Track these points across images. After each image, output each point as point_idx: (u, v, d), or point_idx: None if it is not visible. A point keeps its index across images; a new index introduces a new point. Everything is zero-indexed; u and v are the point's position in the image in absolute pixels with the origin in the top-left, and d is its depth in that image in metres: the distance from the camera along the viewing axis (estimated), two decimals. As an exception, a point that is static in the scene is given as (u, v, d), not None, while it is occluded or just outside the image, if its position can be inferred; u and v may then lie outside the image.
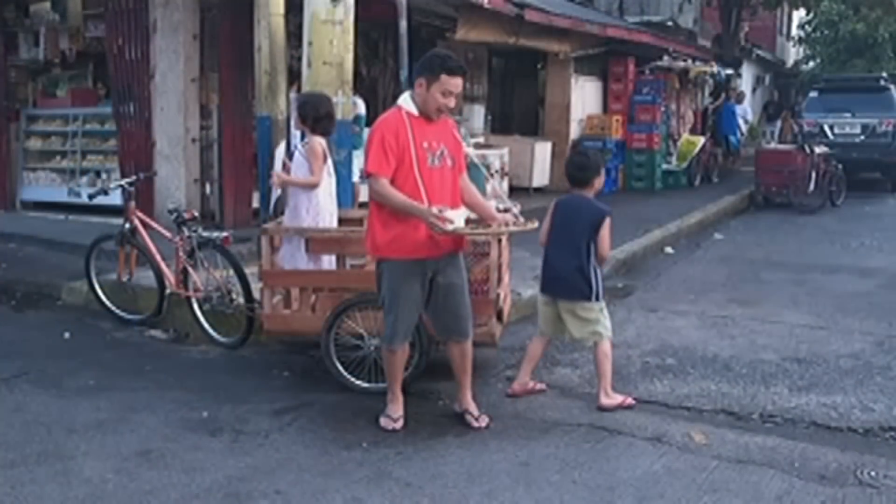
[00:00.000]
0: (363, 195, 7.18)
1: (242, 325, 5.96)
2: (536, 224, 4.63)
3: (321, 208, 5.63)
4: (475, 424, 4.56)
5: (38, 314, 7.21)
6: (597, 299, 4.88)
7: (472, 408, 4.64)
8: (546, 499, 3.80)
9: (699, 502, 3.76)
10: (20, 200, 11.20)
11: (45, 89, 11.35)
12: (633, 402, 4.89)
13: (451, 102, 4.33)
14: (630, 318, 6.81)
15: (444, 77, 4.25)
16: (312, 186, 5.56)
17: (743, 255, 9.93)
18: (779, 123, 22.95)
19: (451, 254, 4.45)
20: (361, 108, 8.60)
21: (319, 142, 5.59)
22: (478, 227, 4.63)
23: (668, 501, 3.78)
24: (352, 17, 6.62)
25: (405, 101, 4.40)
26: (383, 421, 4.59)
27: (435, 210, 4.18)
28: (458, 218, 4.27)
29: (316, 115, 5.58)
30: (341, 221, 5.82)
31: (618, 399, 4.85)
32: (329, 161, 5.74)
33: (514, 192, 12.55)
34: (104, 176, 10.20)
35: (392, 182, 4.28)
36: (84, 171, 10.59)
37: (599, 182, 4.93)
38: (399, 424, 4.57)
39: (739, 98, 19.98)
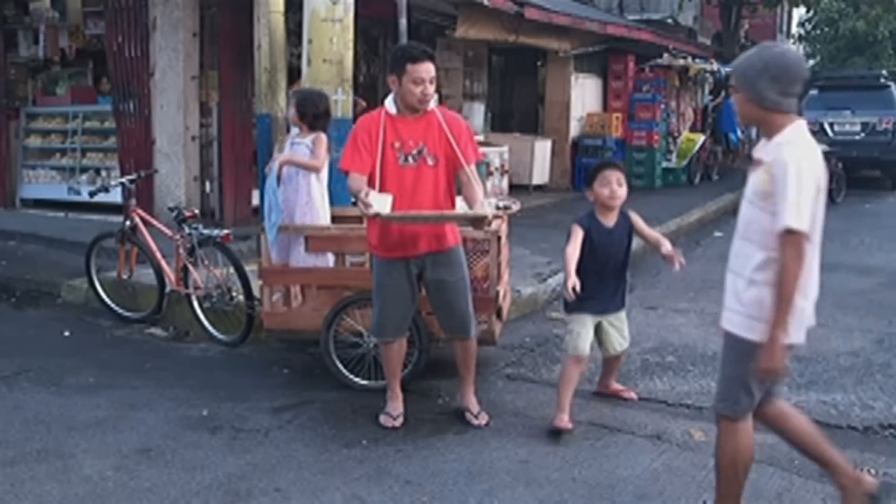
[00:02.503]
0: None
1: (242, 323, 5.96)
2: (489, 213, 4.29)
3: (318, 205, 5.60)
4: (475, 422, 4.56)
5: (37, 312, 7.21)
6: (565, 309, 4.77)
7: (473, 405, 4.64)
8: (546, 496, 3.80)
9: (699, 500, 3.77)
10: (20, 198, 11.20)
11: (44, 87, 11.34)
12: (569, 426, 4.45)
13: (428, 90, 4.25)
14: (630, 316, 6.74)
15: (409, 67, 4.22)
16: (314, 170, 5.53)
17: (743, 252, 9.91)
18: None
19: (438, 252, 4.42)
20: None
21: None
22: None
23: (668, 499, 3.78)
24: (352, 14, 6.62)
25: (388, 100, 4.41)
26: (383, 419, 4.60)
27: (362, 194, 4.11)
28: (378, 203, 4.08)
29: (315, 112, 5.58)
30: (339, 219, 5.81)
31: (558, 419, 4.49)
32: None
33: (515, 189, 12.57)
34: (104, 174, 10.21)
35: (370, 181, 4.29)
36: (84, 169, 10.60)
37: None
38: (399, 422, 4.57)
39: None
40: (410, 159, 4.32)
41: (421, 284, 4.52)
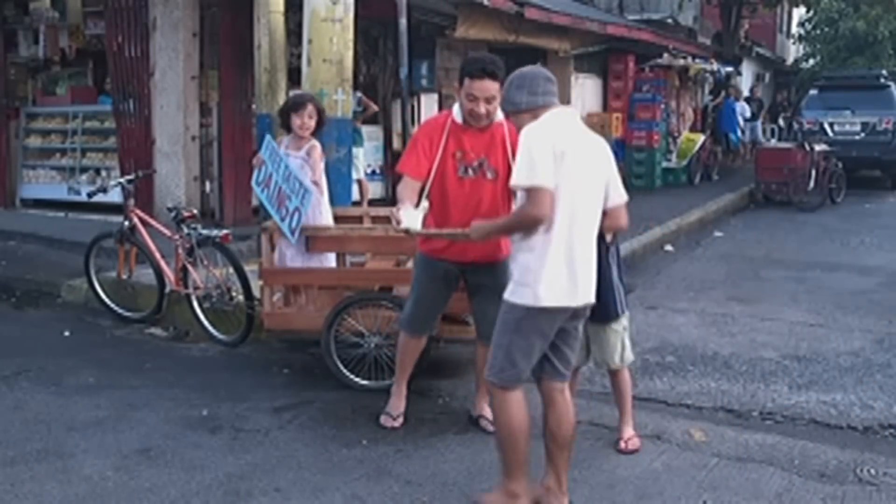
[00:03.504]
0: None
1: (242, 323, 5.95)
2: None
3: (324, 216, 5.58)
4: (490, 429, 4.42)
5: (38, 312, 7.21)
6: None
7: (488, 412, 4.50)
8: (546, 496, 3.80)
9: (699, 500, 3.77)
10: (20, 198, 11.19)
11: (44, 87, 11.34)
12: None
13: (479, 107, 4.14)
14: (630, 316, 6.80)
15: (466, 81, 4.15)
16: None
17: (743, 252, 9.93)
18: (759, 125, 21.19)
19: (485, 261, 4.32)
20: None
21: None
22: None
23: (668, 499, 3.78)
24: (352, 14, 6.61)
25: (455, 107, 4.34)
26: (383, 419, 4.59)
27: (394, 208, 4.08)
28: (408, 218, 4.00)
29: (323, 120, 5.58)
30: (339, 219, 5.80)
31: None
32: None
33: (514, 189, 12.54)
34: (104, 174, 10.20)
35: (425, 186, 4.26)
36: (84, 169, 10.59)
37: None
38: (398, 423, 4.57)
39: (738, 96, 19.92)
40: (470, 171, 4.27)
41: (461, 285, 4.50)
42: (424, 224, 4.08)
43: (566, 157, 3.38)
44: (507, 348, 3.48)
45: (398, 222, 3.99)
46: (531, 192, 3.36)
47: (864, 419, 4.72)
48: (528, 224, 3.40)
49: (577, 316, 3.57)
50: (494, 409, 3.59)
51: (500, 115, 4.28)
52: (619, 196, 3.70)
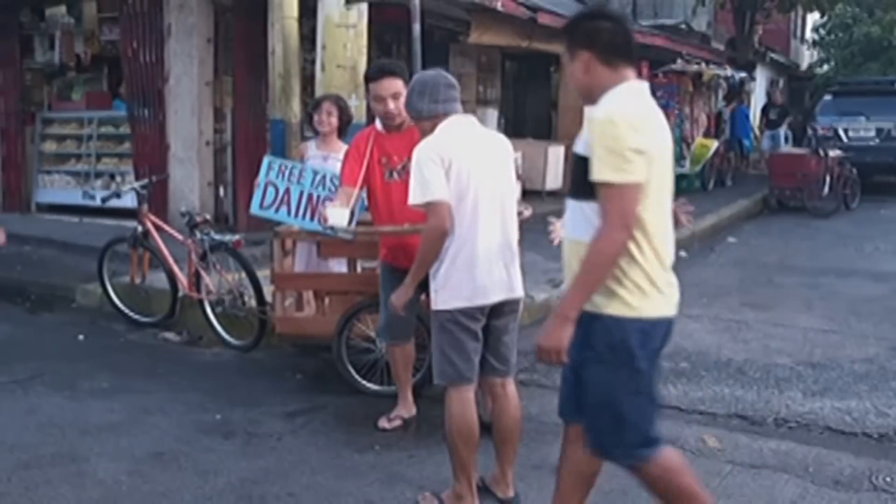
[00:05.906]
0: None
1: (254, 328, 5.97)
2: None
3: None
4: None
5: (52, 316, 7.25)
6: None
7: None
8: (558, 503, 3.78)
9: (712, 507, 3.74)
10: (35, 203, 11.25)
11: (60, 92, 11.41)
12: None
13: (388, 106, 4.31)
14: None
15: (370, 86, 4.36)
16: None
17: (756, 258, 9.89)
18: (781, 132, 19.52)
19: None
20: None
21: None
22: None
23: (681, 506, 3.75)
24: (365, 20, 6.65)
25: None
26: (380, 420, 4.64)
27: (322, 206, 4.30)
28: (334, 216, 4.26)
29: (350, 118, 5.63)
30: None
31: None
32: None
33: (528, 195, 12.54)
34: (119, 179, 10.25)
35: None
36: (99, 174, 10.64)
37: None
38: (395, 424, 4.63)
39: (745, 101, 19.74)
40: (395, 174, 4.39)
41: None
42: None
43: (454, 165, 3.46)
44: (440, 349, 3.59)
45: (325, 220, 4.27)
46: (429, 208, 3.47)
47: (879, 426, 4.69)
48: (435, 239, 3.49)
49: (503, 312, 3.67)
50: (445, 407, 3.64)
51: None
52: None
